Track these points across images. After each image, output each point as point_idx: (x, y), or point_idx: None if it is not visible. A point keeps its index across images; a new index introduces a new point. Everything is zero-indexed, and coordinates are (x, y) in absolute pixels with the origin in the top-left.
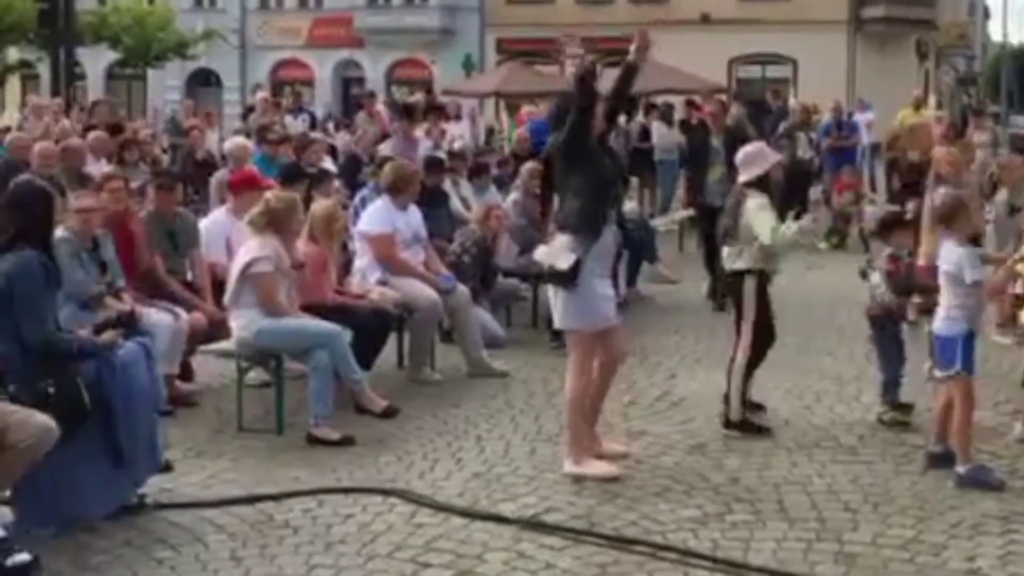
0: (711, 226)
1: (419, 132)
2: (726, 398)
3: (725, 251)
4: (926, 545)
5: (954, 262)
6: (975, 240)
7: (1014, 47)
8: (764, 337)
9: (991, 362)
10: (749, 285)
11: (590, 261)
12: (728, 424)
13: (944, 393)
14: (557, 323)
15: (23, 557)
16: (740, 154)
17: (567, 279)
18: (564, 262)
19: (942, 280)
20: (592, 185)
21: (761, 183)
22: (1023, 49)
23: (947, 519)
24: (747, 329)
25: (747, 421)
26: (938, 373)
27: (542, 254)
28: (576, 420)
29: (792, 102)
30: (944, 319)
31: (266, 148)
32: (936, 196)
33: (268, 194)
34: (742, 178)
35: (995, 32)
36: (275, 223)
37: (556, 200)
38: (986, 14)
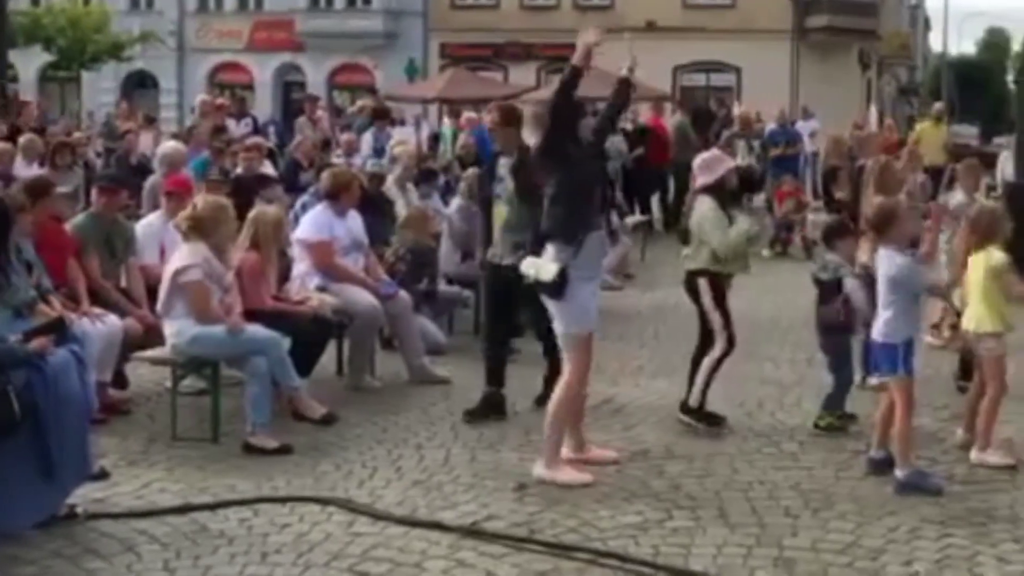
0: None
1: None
2: (683, 405)
3: (684, 251)
4: (865, 550)
5: (896, 271)
6: (914, 243)
7: (954, 58)
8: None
9: (929, 367)
10: (703, 285)
11: (577, 268)
12: (685, 408)
13: (885, 398)
14: (562, 329)
15: None
16: (698, 159)
17: (555, 289)
18: (547, 273)
19: (881, 287)
20: (573, 190)
21: (715, 188)
22: (963, 60)
23: (886, 524)
24: (718, 327)
25: (704, 411)
26: (874, 380)
27: (528, 265)
28: (561, 425)
29: (736, 110)
30: (884, 326)
31: (209, 153)
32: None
33: (196, 199)
34: (698, 183)
35: (936, 43)
36: (202, 229)
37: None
38: (927, 25)
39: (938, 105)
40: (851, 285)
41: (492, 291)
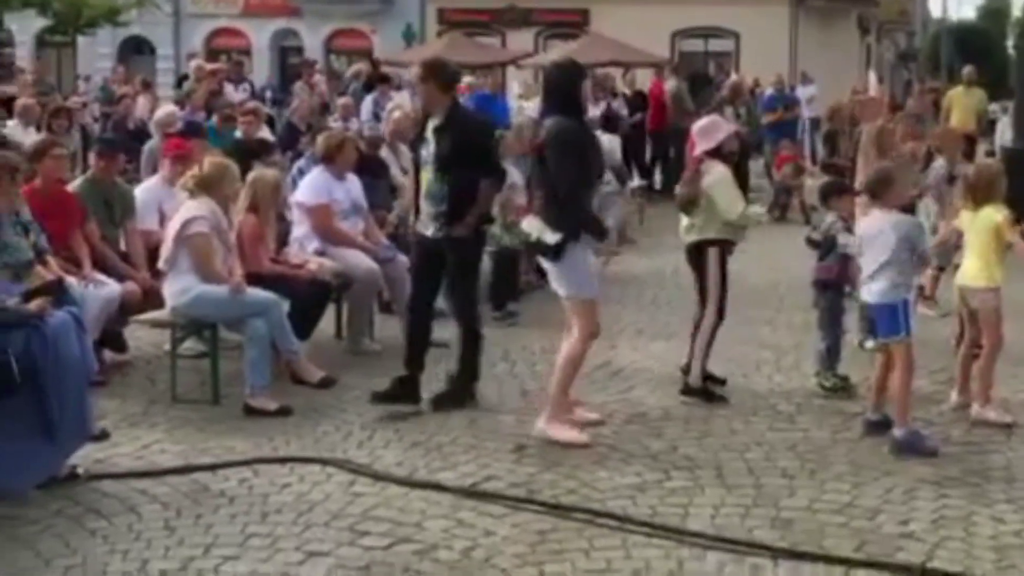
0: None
1: None
2: (685, 369)
3: (684, 222)
4: (861, 509)
5: (907, 229)
6: (906, 209)
7: (953, 23)
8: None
9: (927, 330)
10: (712, 255)
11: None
12: (687, 391)
13: (882, 360)
14: (564, 292)
15: None
16: (695, 126)
17: (553, 252)
18: (551, 237)
19: (873, 248)
20: (584, 178)
21: (715, 154)
22: (963, 25)
23: (882, 484)
24: (714, 298)
25: (706, 389)
26: (870, 343)
27: (530, 224)
28: (566, 383)
29: (733, 76)
30: (883, 287)
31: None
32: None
33: (204, 159)
34: (698, 149)
35: (935, 8)
36: (207, 188)
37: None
38: None
39: (968, 69)
40: (844, 239)
41: (416, 263)
